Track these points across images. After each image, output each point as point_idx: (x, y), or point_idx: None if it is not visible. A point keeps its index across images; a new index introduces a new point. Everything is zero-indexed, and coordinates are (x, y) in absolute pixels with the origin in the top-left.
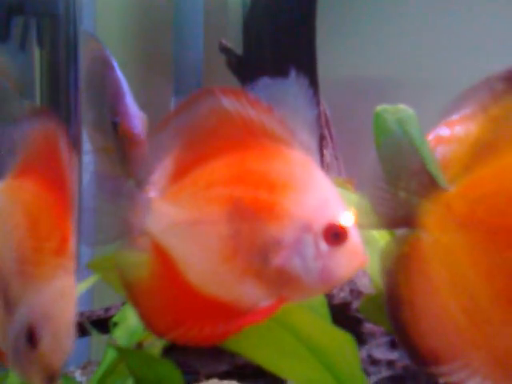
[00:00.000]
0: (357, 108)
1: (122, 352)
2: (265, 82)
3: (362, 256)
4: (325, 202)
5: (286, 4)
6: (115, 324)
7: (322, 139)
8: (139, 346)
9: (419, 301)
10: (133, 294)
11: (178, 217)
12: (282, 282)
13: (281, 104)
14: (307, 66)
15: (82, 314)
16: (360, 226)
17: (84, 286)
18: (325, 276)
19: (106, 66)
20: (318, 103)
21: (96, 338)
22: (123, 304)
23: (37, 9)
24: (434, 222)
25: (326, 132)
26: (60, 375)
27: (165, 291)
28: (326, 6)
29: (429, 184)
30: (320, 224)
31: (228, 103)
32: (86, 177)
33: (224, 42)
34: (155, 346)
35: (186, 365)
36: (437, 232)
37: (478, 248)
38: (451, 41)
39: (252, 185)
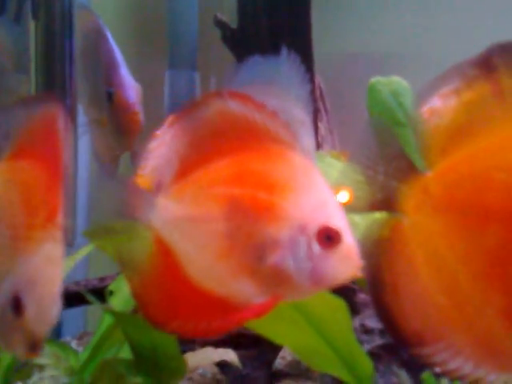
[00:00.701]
0: (352, 82)
1: (118, 317)
2: (256, 59)
3: (356, 261)
4: (321, 204)
5: None
6: (111, 293)
7: (316, 113)
8: (135, 312)
9: (401, 283)
10: (134, 285)
11: (179, 213)
12: (276, 280)
13: (273, 81)
14: (302, 40)
15: (78, 284)
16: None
17: (80, 255)
18: (316, 277)
19: (100, 37)
20: (312, 78)
21: (92, 308)
22: (118, 274)
23: None
24: (413, 206)
25: (320, 106)
26: (43, 344)
27: (165, 284)
28: None
29: (407, 168)
30: (314, 226)
31: (235, 106)
32: (82, 152)
33: (219, 16)
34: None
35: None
36: (415, 215)
37: (455, 230)
38: (449, 16)
39: (252, 185)
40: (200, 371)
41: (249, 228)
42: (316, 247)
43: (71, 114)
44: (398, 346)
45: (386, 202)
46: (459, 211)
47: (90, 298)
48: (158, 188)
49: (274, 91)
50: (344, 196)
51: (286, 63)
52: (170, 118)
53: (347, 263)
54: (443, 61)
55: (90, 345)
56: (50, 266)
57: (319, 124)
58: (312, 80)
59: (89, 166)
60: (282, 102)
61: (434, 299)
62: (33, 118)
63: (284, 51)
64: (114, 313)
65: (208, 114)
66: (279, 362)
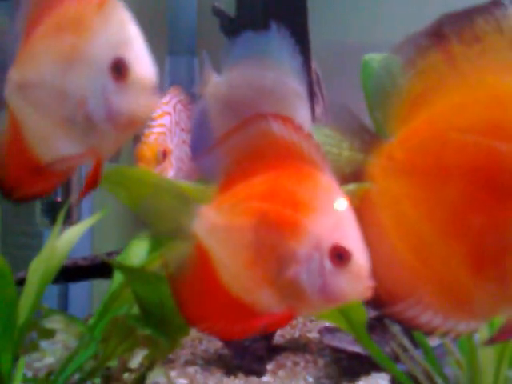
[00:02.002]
0: (347, 68)
1: (128, 272)
2: (248, 35)
3: (365, 282)
4: (337, 224)
5: None
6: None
7: (313, 96)
8: (143, 269)
9: (372, 247)
10: (175, 284)
11: (218, 222)
12: (291, 293)
13: (265, 54)
14: (299, 29)
15: (86, 259)
16: None
17: (84, 225)
18: (326, 294)
19: None
20: (309, 63)
21: (97, 291)
22: (123, 249)
23: None
24: (379, 173)
25: (317, 90)
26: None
27: (202, 287)
28: None
29: (370, 140)
30: (327, 244)
31: (276, 128)
32: None
33: (217, 4)
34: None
35: None
36: (382, 181)
37: (418, 190)
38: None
39: (280, 201)
40: (203, 346)
41: (272, 241)
42: (328, 264)
43: None
44: (371, 306)
45: (354, 175)
46: (422, 172)
47: (105, 258)
48: (163, 156)
49: (270, 64)
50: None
51: (276, 37)
52: (172, 90)
53: (356, 283)
54: None
55: (97, 310)
56: None
57: (316, 107)
58: (309, 65)
59: None
60: (278, 74)
61: (402, 258)
62: None
63: (274, 26)
64: (124, 268)
65: (252, 134)
66: (278, 339)
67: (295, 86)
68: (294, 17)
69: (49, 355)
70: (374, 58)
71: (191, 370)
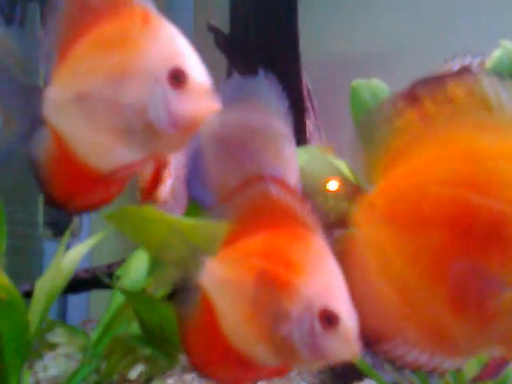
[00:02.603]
0: (339, 81)
1: (129, 295)
2: (237, 79)
3: (353, 344)
4: (327, 288)
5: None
6: (118, 277)
7: (304, 111)
8: (144, 291)
9: (359, 289)
10: (183, 331)
11: (222, 275)
12: (285, 350)
13: (254, 98)
14: (290, 43)
15: (86, 271)
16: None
17: (87, 245)
18: (315, 353)
19: None
20: (299, 78)
21: (94, 297)
22: (123, 261)
23: None
24: (362, 220)
25: (308, 104)
26: None
27: (206, 335)
28: None
29: (353, 190)
30: (317, 307)
31: (275, 190)
32: None
33: (212, 22)
34: (156, 293)
35: None
36: (365, 228)
37: (400, 236)
38: (432, 18)
39: (277, 261)
40: None
41: (269, 298)
42: (317, 326)
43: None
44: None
45: (340, 221)
46: (401, 220)
47: (105, 279)
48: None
49: (258, 107)
50: (334, 184)
51: (264, 82)
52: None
53: (344, 345)
54: (427, 60)
55: (100, 324)
56: None
57: (307, 121)
58: (299, 80)
59: None
60: (266, 116)
61: (387, 300)
62: None
63: (261, 72)
64: (125, 292)
65: (253, 194)
66: None
67: (281, 127)
68: (285, 33)
69: (52, 367)
70: (362, 84)
71: (188, 377)
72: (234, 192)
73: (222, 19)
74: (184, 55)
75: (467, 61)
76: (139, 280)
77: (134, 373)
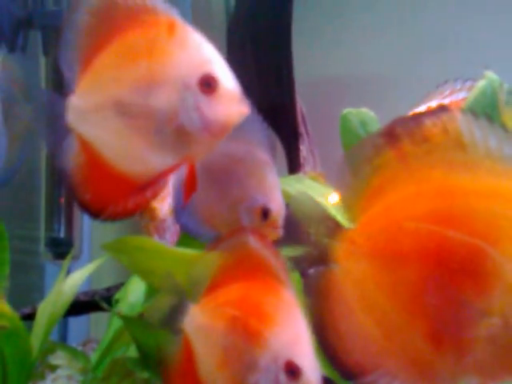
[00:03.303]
0: (332, 106)
1: (127, 320)
2: None
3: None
4: (294, 341)
5: (265, 11)
6: (117, 301)
7: (298, 136)
8: (140, 316)
9: (340, 323)
10: (165, 370)
11: (201, 323)
12: None
13: (238, 128)
14: (284, 68)
15: (86, 294)
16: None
17: (94, 266)
18: None
19: None
20: (293, 102)
21: (95, 318)
22: (122, 284)
23: (43, 22)
24: (343, 256)
25: (302, 129)
26: None
27: (185, 376)
28: (302, 9)
29: (334, 227)
30: (283, 359)
31: (253, 242)
32: None
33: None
34: (154, 317)
35: None
36: (346, 264)
37: (380, 272)
38: (428, 41)
39: (248, 311)
40: None
41: (239, 347)
42: (282, 378)
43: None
44: (343, 377)
45: (321, 257)
46: (380, 255)
47: (103, 304)
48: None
49: (242, 138)
50: (335, 197)
51: (252, 118)
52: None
53: None
54: (423, 84)
55: (100, 347)
56: None
57: (301, 146)
58: (293, 105)
59: None
60: (249, 147)
61: (369, 333)
62: None
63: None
64: (122, 317)
65: (233, 245)
66: None
67: (264, 156)
68: (280, 58)
69: None
70: (351, 112)
71: None
72: (216, 242)
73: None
74: (213, 62)
75: (458, 86)
76: (137, 304)
77: None
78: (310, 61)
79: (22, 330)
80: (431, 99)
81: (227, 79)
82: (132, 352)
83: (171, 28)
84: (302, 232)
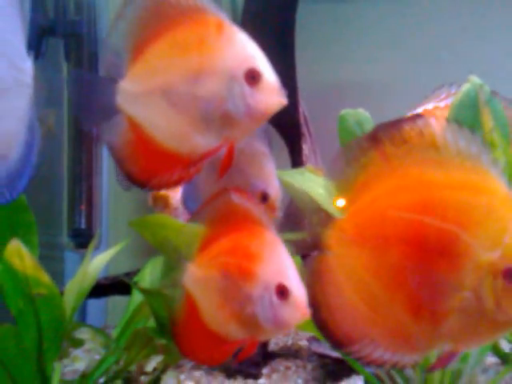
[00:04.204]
0: (334, 109)
1: (146, 293)
2: None
3: (303, 310)
4: (280, 270)
5: (269, 16)
6: (135, 283)
7: (301, 136)
8: (158, 290)
9: (332, 301)
10: (171, 325)
11: (198, 276)
12: (252, 325)
13: None
14: (288, 72)
15: (107, 278)
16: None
17: (110, 253)
18: (276, 322)
19: None
20: (296, 105)
21: (112, 304)
22: (139, 270)
23: (65, 30)
24: (334, 243)
25: (305, 130)
26: None
27: (190, 325)
28: (308, 20)
29: (325, 217)
30: (273, 283)
31: (236, 198)
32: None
33: None
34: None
35: None
36: (337, 249)
37: (366, 255)
38: (424, 50)
39: (240, 255)
40: None
41: (235, 287)
42: (275, 299)
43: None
44: (334, 347)
45: (314, 244)
46: (367, 241)
47: (127, 281)
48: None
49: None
50: (341, 201)
51: None
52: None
53: (295, 312)
54: (420, 89)
55: (120, 323)
56: None
57: (303, 146)
58: (296, 107)
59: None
60: (249, 139)
61: (356, 308)
62: None
63: None
64: (143, 290)
65: (219, 204)
66: (272, 346)
67: (262, 147)
68: (283, 62)
69: (79, 361)
70: (349, 112)
71: (197, 373)
72: (205, 204)
73: None
74: (257, 58)
75: (453, 90)
76: (154, 282)
77: (150, 366)
78: (315, 67)
79: (58, 298)
80: (428, 102)
81: (269, 73)
82: (151, 325)
83: (219, 27)
84: (300, 221)
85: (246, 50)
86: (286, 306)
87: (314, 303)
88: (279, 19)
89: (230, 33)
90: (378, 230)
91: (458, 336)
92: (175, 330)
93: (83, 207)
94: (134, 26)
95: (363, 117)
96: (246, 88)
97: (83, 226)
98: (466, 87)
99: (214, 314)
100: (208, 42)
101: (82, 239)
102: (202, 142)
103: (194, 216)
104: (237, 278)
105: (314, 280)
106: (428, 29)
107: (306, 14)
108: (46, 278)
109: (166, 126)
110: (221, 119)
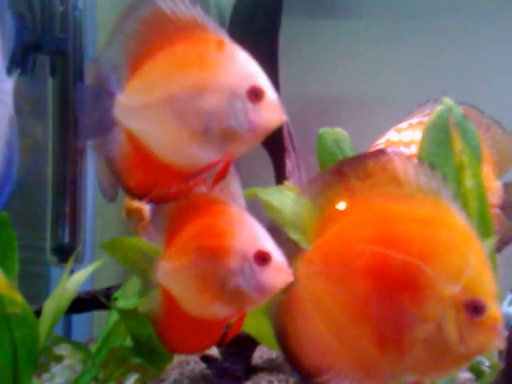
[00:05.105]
0: (318, 123)
1: (122, 312)
2: None
3: (286, 273)
4: (254, 237)
5: (256, 28)
6: (115, 299)
7: (284, 151)
8: (135, 310)
9: (300, 332)
10: (154, 322)
11: (171, 268)
12: (236, 298)
13: None
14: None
15: (88, 293)
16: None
17: (92, 268)
18: (259, 288)
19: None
20: None
21: (97, 318)
22: (120, 285)
23: (51, 47)
24: (302, 274)
25: (288, 145)
26: None
27: (171, 317)
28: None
29: (294, 249)
30: (251, 252)
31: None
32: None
33: None
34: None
35: None
36: (305, 280)
37: (332, 286)
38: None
39: (210, 235)
40: (190, 367)
41: (212, 267)
42: (255, 267)
43: (82, 151)
44: (302, 378)
45: None
46: (334, 272)
47: (103, 300)
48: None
49: None
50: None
51: None
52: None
53: (279, 275)
54: (406, 104)
55: (99, 338)
56: None
57: (287, 161)
58: None
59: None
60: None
61: (324, 339)
62: None
63: None
64: (119, 310)
65: (192, 199)
66: (257, 359)
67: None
68: (267, 70)
69: (58, 377)
70: (327, 131)
71: None
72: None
73: None
74: (258, 76)
75: (437, 105)
76: (133, 300)
77: (129, 382)
78: (300, 81)
79: (31, 317)
80: (413, 117)
81: (270, 91)
82: (128, 343)
83: (220, 44)
84: (280, 238)
85: (248, 68)
86: (268, 270)
87: (283, 334)
88: (264, 30)
89: (231, 50)
90: (344, 262)
91: (422, 367)
92: (158, 328)
93: (67, 222)
94: (132, 39)
95: (341, 135)
96: (249, 105)
97: (66, 240)
98: (438, 108)
99: (196, 300)
100: (209, 59)
101: (66, 254)
102: (202, 155)
103: (153, 216)
104: (212, 257)
105: (282, 311)
106: (415, 43)
107: (290, 28)
108: (19, 297)
109: (166, 140)
110: (222, 134)
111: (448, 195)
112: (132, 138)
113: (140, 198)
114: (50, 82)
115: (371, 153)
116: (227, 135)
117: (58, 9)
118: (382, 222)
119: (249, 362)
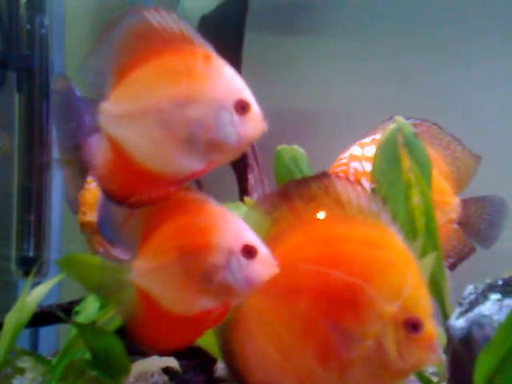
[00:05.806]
0: (281, 137)
1: (80, 327)
2: None
3: (272, 264)
4: (238, 232)
5: (219, 43)
6: (77, 313)
7: (247, 167)
8: (93, 323)
9: (246, 350)
10: (129, 324)
11: (148, 267)
12: (222, 292)
13: None
14: None
15: (50, 306)
16: None
17: (52, 282)
18: (248, 282)
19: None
20: None
21: (63, 330)
22: (83, 299)
23: (17, 65)
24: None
25: (252, 160)
26: None
27: (149, 317)
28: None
29: None
30: (237, 247)
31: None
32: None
33: None
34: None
35: (133, 346)
36: (250, 299)
37: (278, 306)
38: (376, 80)
39: (192, 233)
40: (154, 379)
41: (197, 263)
42: (243, 261)
43: (47, 164)
44: None
45: None
46: (278, 292)
47: (62, 315)
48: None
49: None
50: None
51: None
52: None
53: (265, 267)
54: (362, 120)
55: (59, 352)
56: None
57: (249, 176)
58: None
59: (61, 201)
60: None
61: (269, 357)
62: None
63: None
64: (76, 324)
65: (169, 204)
66: (219, 371)
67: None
68: None
69: None
70: (285, 149)
71: None
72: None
73: None
74: (244, 89)
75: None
76: (92, 314)
77: None
78: (264, 97)
79: None
80: (376, 132)
81: (254, 103)
82: (87, 356)
83: (208, 58)
84: None
85: (235, 82)
86: (255, 263)
87: (229, 352)
88: (229, 46)
89: (218, 64)
90: (289, 281)
91: (363, 383)
92: (135, 331)
93: (32, 236)
94: (119, 48)
95: (298, 153)
96: (236, 117)
97: (31, 254)
98: (391, 126)
99: (177, 297)
100: (197, 71)
101: (30, 267)
102: (186, 164)
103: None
104: (196, 254)
105: (228, 329)
106: (381, 60)
107: (255, 43)
108: None
109: (150, 148)
110: (207, 144)
111: (387, 217)
112: (115, 144)
113: (120, 202)
114: (16, 97)
115: (315, 176)
116: (212, 145)
117: (24, 27)
118: (324, 243)
119: (211, 374)
